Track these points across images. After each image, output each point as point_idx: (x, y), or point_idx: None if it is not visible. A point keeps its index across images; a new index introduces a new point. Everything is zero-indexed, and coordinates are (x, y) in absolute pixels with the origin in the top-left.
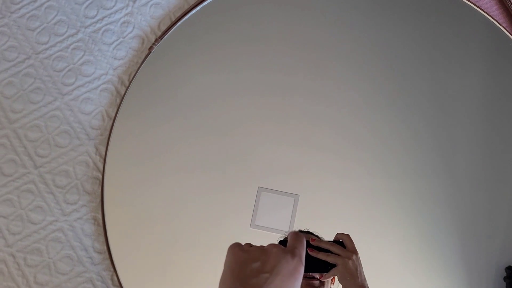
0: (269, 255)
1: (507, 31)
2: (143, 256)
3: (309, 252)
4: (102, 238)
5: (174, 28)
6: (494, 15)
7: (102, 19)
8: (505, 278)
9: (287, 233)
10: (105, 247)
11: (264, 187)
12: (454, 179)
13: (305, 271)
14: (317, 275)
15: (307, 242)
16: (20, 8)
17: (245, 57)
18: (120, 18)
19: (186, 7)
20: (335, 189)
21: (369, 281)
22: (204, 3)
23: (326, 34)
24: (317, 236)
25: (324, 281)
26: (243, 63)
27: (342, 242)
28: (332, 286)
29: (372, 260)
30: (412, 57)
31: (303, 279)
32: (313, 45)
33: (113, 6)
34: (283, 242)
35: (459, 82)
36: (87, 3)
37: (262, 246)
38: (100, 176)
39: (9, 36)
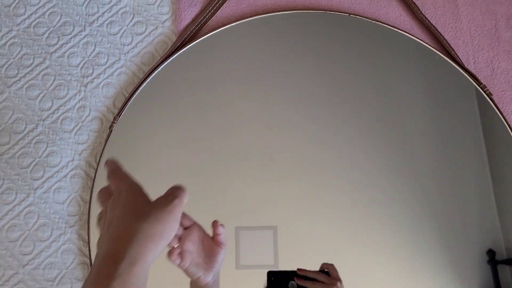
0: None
1: (432, 46)
2: None
3: (296, 281)
4: None
5: (129, 103)
6: (416, 34)
7: (58, 109)
8: (488, 262)
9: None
10: None
11: (241, 225)
12: (423, 183)
13: None
14: None
15: (294, 272)
16: None
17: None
18: (75, 104)
19: (136, 81)
20: (312, 215)
21: None
22: (153, 74)
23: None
24: None
25: None
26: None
27: (327, 271)
28: None
29: (355, 277)
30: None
31: None
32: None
33: (66, 94)
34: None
35: (405, 98)
36: (40, 96)
37: None
38: (87, 260)
39: None
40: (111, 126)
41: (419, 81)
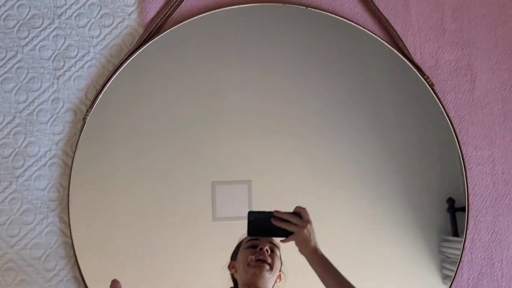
0: None
1: (382, 39)
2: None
3: (272, 221)
4: None
5: (100, 95)
6: (368, 26)
7: (33, 101)
8: (448, 209)
9: (243, 236)
10: None
11: (217, 180)
12: (385, 133)
13: (269, 236)
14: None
15: (271, 213)
16: None
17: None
18: (49, 96)
19: (106, 73)
20: (282, 167)
21: (322, 242)
22: (122, 67)
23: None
24: None
25: (273, 265)
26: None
27: (300, 214)
28: (278, 281)
29: (324, 222)
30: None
31: (255, 262)
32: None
33: (40, 87)
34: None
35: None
36: (15, 89)
37: None
38: (69, 240)
39: None
40: (84, 118)
41: (371, 72)
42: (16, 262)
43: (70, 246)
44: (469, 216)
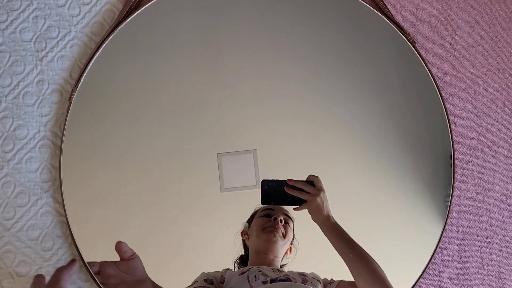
0: None
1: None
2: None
3: (285, 190)
4: (84, 269)
5: (84, 73)
6: None
7: (17, 84)
8: (451, 165)
9: (259, 205)
10: (89, 276)
11: (222, 151)
12: (391, 96)
13: (282, 204)
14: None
15: (285, 181)
16: None
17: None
18: (34, 79)
19: (89, 51)
20: (286, 133)
21: (334, 211)
22: (104, 44)
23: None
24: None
25: (286, 234)
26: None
27: (313, 182)
28: (289, 253)
29: (333, 186)
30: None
31: (269, 228)
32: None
33: (24, 69)
34: None
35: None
36: None
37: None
38: (64, 219)
39: None
40: (70, 97)
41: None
42: (14, 244)
43: (65, 225)
44: (456, 169)
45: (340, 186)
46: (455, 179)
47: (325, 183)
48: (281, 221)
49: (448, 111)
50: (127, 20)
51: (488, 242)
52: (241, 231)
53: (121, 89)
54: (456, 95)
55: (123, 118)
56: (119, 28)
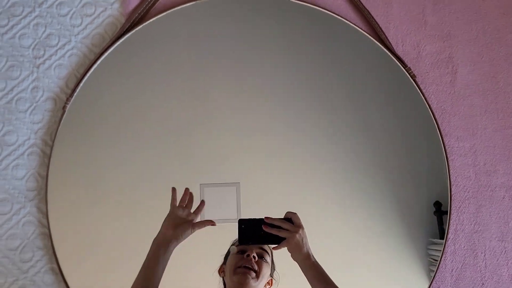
0: None
1: (365, 32)
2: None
3: (263, 228)
4: (63, 284)
5: (81, 84)
6: (351, 18)
7: (12, 89)
8: (434, 213)
9: (235, 240)
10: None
11: (205, 182)
12: (375, 135)
13: (261, 243)
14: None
15: (262, 219)
16: None
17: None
18: (29, 85)
19: (87, 62)
20: (270, 169)
21: (313, 247)
22: (104, 56)
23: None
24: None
25: (260, 272)
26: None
27: (291, 219)
28: (268, 287)
29: (314, 225)
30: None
31: (241, 269)
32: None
33: (19, 75)
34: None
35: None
36: None
37: None
38: (47, 230)
39: None
40: (64, 106)
41: (354, 65)
42: None
43: (47, 236)
44: (452, 207)
45: (324, 225)
46: (451, 217)
47: (307, 221)
48: (254, 257)
49: (446, 147)
50: (128, 35)
51: (483, 284)
52: (219, 268)
53: (114, 104)
54: (455, 132)
55: (113, 134)
56: (120, 41)
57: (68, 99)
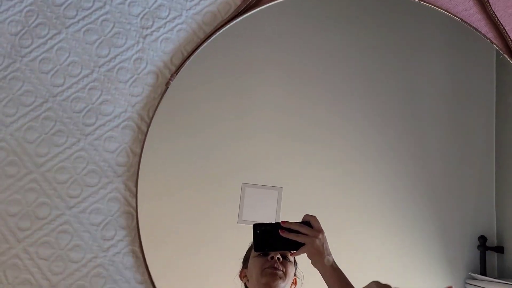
0: None
1: (496, 46)
2: (183, 278)
3: (280, 233)
4: (143, 269)
5: (188, 62)
6: (482, 29)
7: (114, 57)
8: (478, 247)
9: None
10: (147, 277)
11: (248, 182)
12: (426, 161)
13: (278, 250)
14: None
15: (278, 224)
16: (30, 52)
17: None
18: (132, 55)
19: (196, 39)
20: (316, 178)
21: (347, 265)
22: (214, 36)
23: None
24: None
25: (286, 272)
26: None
27: (310, 223)
28: (294, 286)
29: (352, 239)
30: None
31: (269, 269)
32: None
33: (124, 43)
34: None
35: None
36: (97, 42)
37: None
38: (133, 211)
39: (23, 80)
40: (167, 83)
41: (481, 76)
42: (73, 225)
43: (133, 217)
44: None
45: (363, 244)
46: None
47: (347, 236)
48: (278, 259)
49: None
50: (242, 17)
51: None
52: (239, 272)
53: (218, 88)
54: None
55: (211, 120)
56: (232, 23)
57: (172, 75)
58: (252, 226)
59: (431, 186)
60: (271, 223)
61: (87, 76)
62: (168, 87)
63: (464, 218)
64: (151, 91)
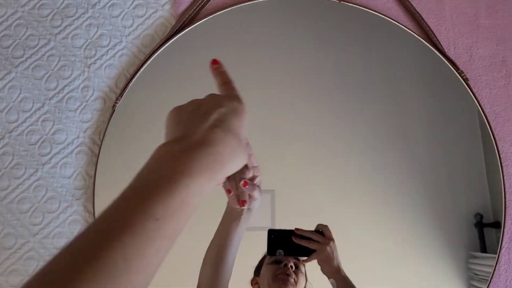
0: (207, 101)
1: (418, 36)
2: None
3: (293, 239)
4: None
5: (131, 83)
6: (402, 20)
7: (63, 88)
8: (475, 225)
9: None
10: None
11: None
12: (414, 149)
13: (290, 255)
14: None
15: (292, 231)
16: None
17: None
18: (80, 84)
19: (137, 62)
20: (309, 180)
21: (345, 258)
22: (154, 56)
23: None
24: None
25: (298, 281)
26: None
27: (322, 232)
28: None
29: (348, 237)
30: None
31: (281, 275)
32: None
33: (71, 74)
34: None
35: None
36: (46, 77)
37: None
38: None
39: None
40: (113, 106)
41: (404, 68)
42: (38, 251)
43: None
44: (506, 214)
45: (360, 238)
46: (505, 224)
47: (342, 233)
48: (291, 267)
49: (500, 153)
50: (178, 36)
51: None
52: (250, 280)
53: (162, 105)
54: (509, 137)
55: (161, 135)
56: (169, 42)
57: (117, 98)
58: (267, 231)
59: (423, 171)
60: (285, 229)
61: (39, 109)
62: (114, 110)
63: (458, 198)
64: (100, 115)
